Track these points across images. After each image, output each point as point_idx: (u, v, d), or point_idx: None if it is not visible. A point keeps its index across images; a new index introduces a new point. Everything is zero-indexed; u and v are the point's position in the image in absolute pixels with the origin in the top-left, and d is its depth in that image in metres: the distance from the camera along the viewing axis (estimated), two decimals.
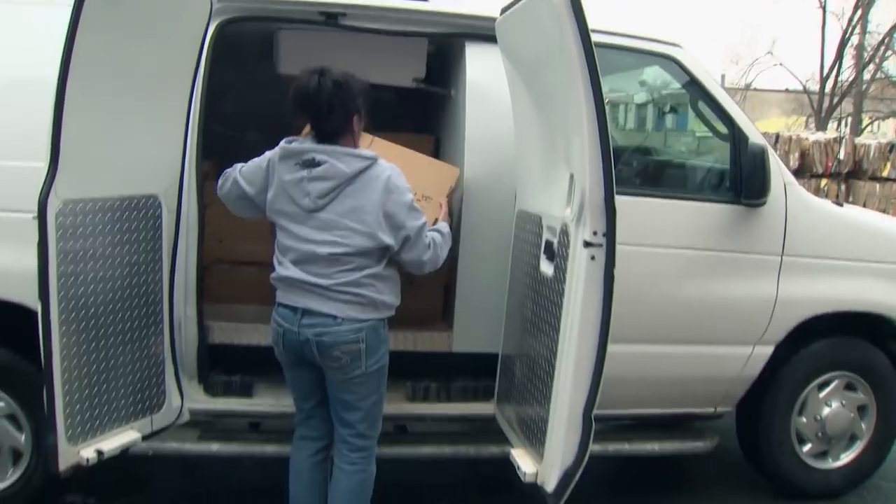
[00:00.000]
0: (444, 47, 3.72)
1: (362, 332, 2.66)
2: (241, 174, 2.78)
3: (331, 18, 3.29)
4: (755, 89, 27.51)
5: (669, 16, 38.98)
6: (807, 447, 3.80)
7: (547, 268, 2.88)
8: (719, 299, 3.48)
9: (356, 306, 2.66)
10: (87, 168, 2.71)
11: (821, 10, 24.82)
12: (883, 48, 24.59)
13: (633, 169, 3.91)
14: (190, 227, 3.17)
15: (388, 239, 2.63)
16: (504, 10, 3.06)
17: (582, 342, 2.62)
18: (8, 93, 3.05)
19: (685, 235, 3.44)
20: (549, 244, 2.87)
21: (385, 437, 2.87)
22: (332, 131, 2.65)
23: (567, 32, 2.46)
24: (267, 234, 2.85)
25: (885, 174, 10.81)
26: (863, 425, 3.83)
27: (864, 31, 24.81)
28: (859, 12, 24.31)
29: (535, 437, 2.88)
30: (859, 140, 11.66)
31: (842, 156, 10.79)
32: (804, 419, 3.76)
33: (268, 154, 2.74)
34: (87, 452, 2.80)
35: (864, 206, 9.74)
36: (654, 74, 4.07)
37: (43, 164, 2.57)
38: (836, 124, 25.78)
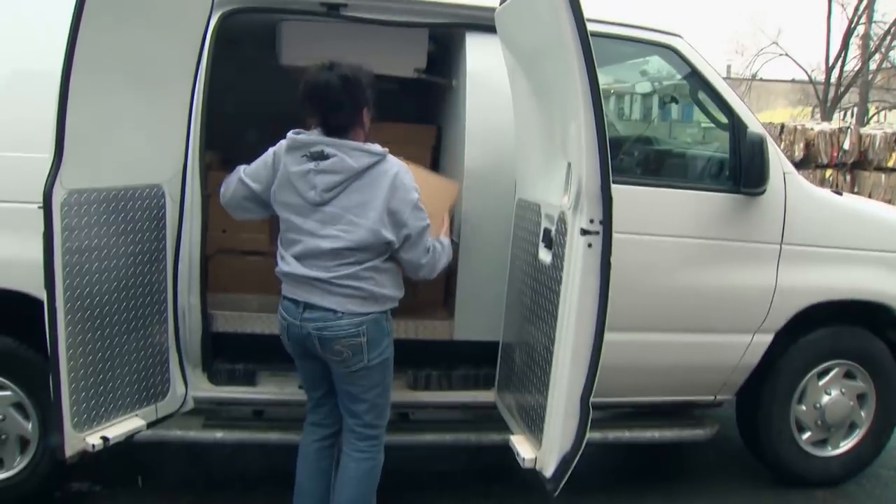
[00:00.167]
0: (445, 37, 3.74)
1: (363, 326, 2.66)
2: (245, 174, 2.78)
3: (332, 9, 3.30)
4: (761, 80, 27.41)
5: (674, 5, 38.84)
6: (806, 435, 3.81)
7: (545, 256, 2.90)
8: (719, 287, 3.50)
9: (356, 300, 2.65)
10: (92, 158, 2.73)
11: (826, 0, 24.76)
12: (889, 38, 24.47)
13: (634, 158, 3.91)
14: (193, 217, 3.20)
15: (389, 235, 2.63)
16: (503, 1, 3.07)
17: (579, 329, 2.64)
18: (10, 84, 3.07)
19: (685, 224, 3.45)
20: (547, 232, 2.89)
21: (387, 425, 2.90)
22: (342, 125, 2.64)
23: (563, 23, 2.47)
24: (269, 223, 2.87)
25: (890, 164, 10.77)
26: (862, 413, 3.85)
27: (869, 21, 24.68)
28: (865, 2, 24.19)
29: (534, 423, 2.90)
30: (865, 130, 11.63)
31: (847, 146, 10.77)
32: (804, 407, 3.78)
33: (272, 148, 2.73)
34: (93, 439, 2.82)
35: (870, 196, 9.71)
36: (654, 64, 4.08)
37: (47, 155, 2.60)
38: (841, 114, 25.68)
